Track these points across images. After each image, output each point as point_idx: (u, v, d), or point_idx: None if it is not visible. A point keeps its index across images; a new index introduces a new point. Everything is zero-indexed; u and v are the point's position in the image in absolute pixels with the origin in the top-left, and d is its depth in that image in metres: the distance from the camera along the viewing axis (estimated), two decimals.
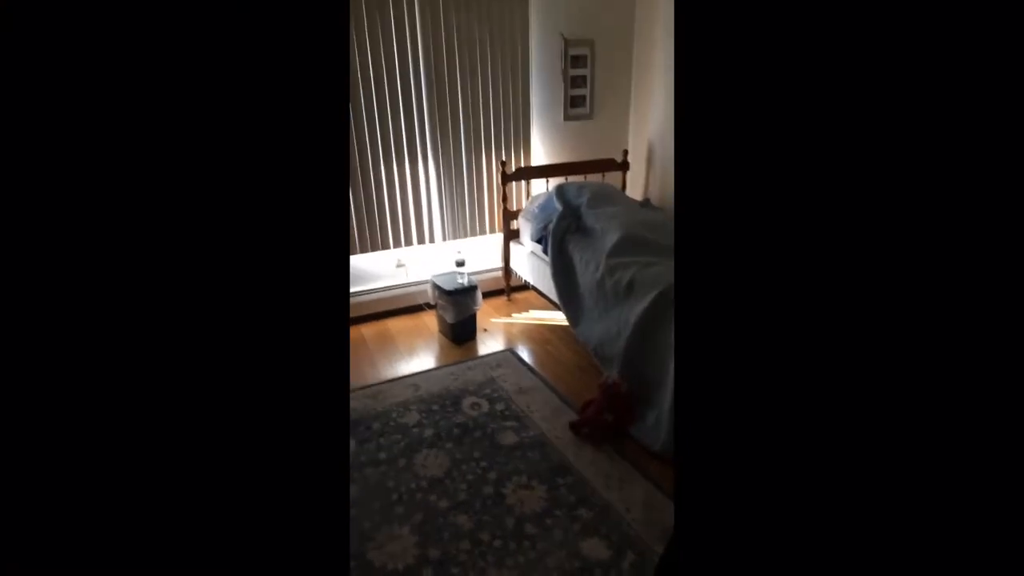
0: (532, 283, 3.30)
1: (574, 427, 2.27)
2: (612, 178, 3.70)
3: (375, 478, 2.03)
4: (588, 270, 2.64)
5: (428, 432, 2.30)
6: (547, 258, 2.97)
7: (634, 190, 3.83)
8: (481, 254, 3.67)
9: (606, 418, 2.23)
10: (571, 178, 3.56)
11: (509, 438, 2.24)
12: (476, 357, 2.91)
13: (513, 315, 3.44)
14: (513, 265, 3.55)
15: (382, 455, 2.16)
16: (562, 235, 2.90)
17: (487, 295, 3.66)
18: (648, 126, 3.66)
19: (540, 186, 3.62)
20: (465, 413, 2.42)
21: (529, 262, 3.28)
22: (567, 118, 3.61)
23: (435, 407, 2.47)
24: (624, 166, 3.67)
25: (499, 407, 2.45)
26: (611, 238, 2.62)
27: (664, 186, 3.59)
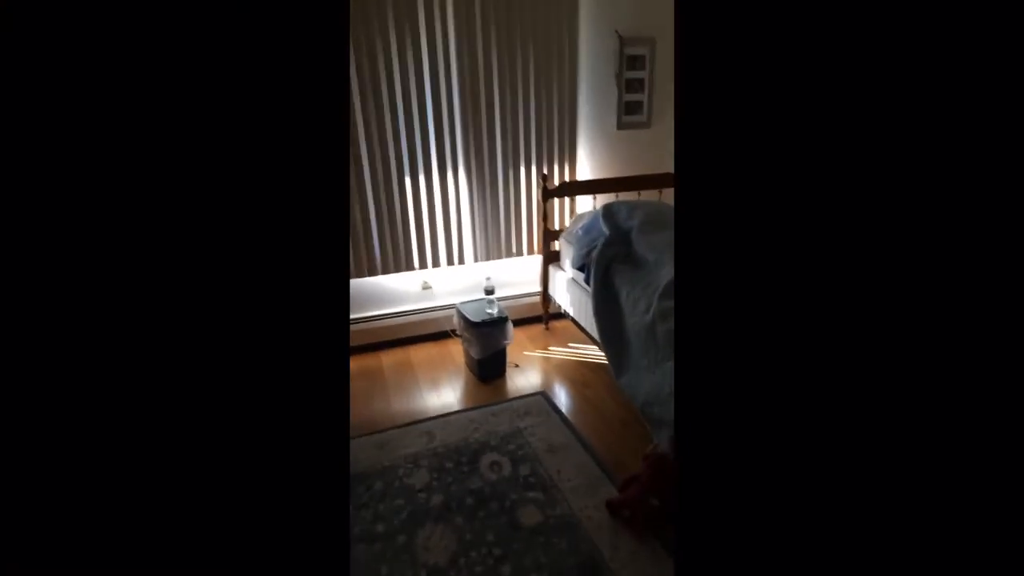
0: (572, 315, 2.90)
1: (612, 507, 1.86)
2: (669, 196, 3.25)
3: (366, 559, 1.69)
4: (637, 310, 2.21)
5: (437, 499, 1.94)
6: (589, 288, 2.56)
7: None
8: (518, 276, 3.29)
9: (652, 502, 1.81)
10: (622, 195, 3.13)
11: (532, 516, 1.85)
12: (503, 400, 2.54)
13: (550, 348, 3.05)
14: (552, 292, 3.15)
15: (379, 527, 1.82)
16: (607, 264, 2.49)
17: (523, 322, 3.28)
18: None
19: (586, 204, 3.21)
20: (483, 476, 2.05)
21: (570, 290, 2.88)
22: (620, 126, 3.18)
23: (449, 464, 2.11)
24: None
25: (523, 471, 2.07)
26: (665, 273, 2.19)
27: None
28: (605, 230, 2.63)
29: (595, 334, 2.50)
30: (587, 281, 2.60)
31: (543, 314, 3.28)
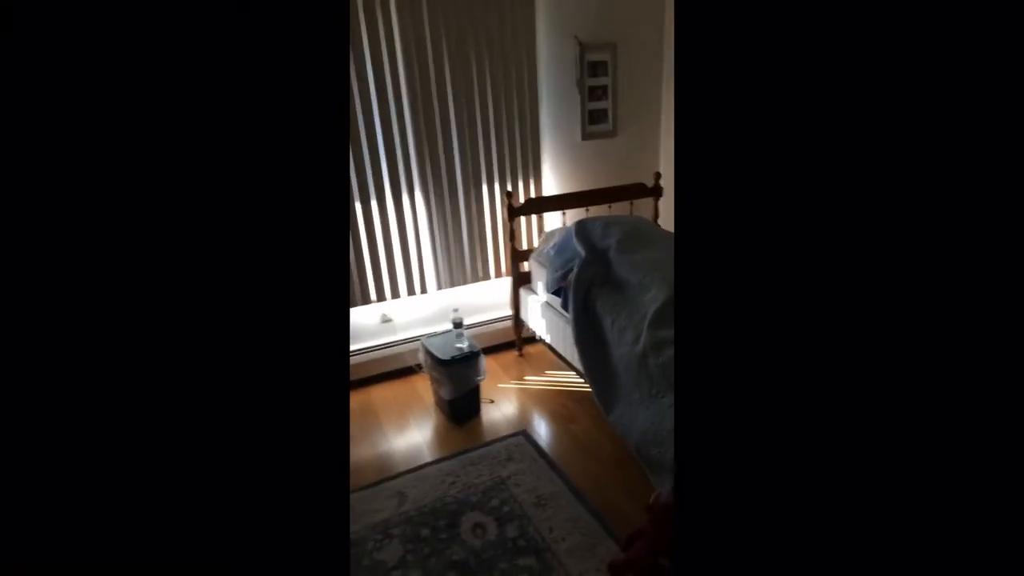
0: (548, 341, 2.68)
1: (616, 570, 1.63)
2: (642, 207, 3.08)
3: None
4: (624, 340, 2.01)
5: None
6: (567, 315, 2.34)
7: (668, 221, 3.20)
8: (486, 300, 3.05)
9: (660, 561, 1.59)
10: (592, 209, 2.94)
11: None
12: (480, 444, 2.29)
13: (526, 377, 2.82)
14: (524, 316, 2.92)
15: None
16: (586, 288, 2.28)
17: (494, 350, 3.04)
18: None
19: (555, 220, 3.01)
20: (465, 543, 1.79)
21: (544, 315, 2.66)
22: (585, 136, 3.00)
23: (425, 532, 1.84)
24: (656, 192, 3.04)
25: (511, 532, 1.82)
26: (653, 298, 1.99)
27: None
28: (580, 250, 2.42)
29: (577, 364, 2.29)
30: (564, 307, 2.39)
31: (516, 339, 3.05)
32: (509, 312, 3.05)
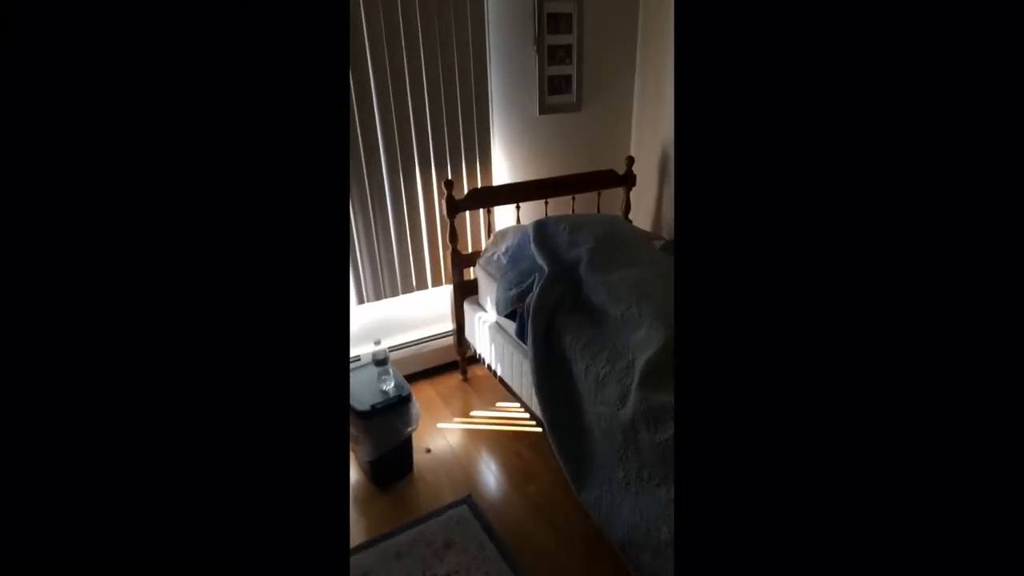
0: (499, 373, 2.13)
1: None
2: (611, 199, 2.55)
3: None
4: (604, 396, 1.48)
5: None
6: (524, 346, 1.80)
7: (642, 216, 2.68)
8: (422, 313, 2.46)
9: None
10: (553, 203, 2.38)
11: None
12: (411, 520, 1.74)
13: (472, 413, 2.27)
14: (470, 336, 2.36)
15: None
16: (550, 316, 1.73)
17: (432, 373, 2.49)
18: (664, 122, 2.50)
19: (507, 216, 2.43)
20: None
21: (494, 339, 2.10)
22: (544, 110, 2.41)
23: None
24: (628, 181, 2.51)
25: None
26: (645, 340, 1.47)
27: None
28: (541, 262, 1.87)
29: (536, 411, 1.76)
30: (521, 336, 1.84)
31: (459, 360, 2.48)
32: (450, 327, 2.48)
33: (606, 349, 1.54)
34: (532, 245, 1.94)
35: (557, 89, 2.43)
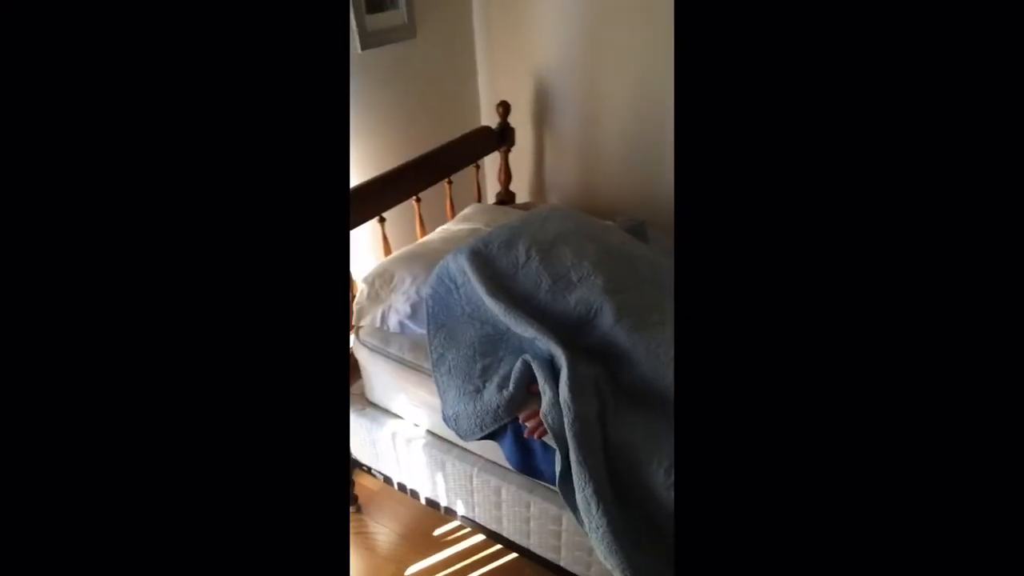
0: (434, 497, 1.26)
1: None
2: (486, 169, 1.72)
3: None
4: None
5: None
6: (539, 475, 0.99)
7: (519, 184, 1.93)
8: None
9: None
10: (424, 200, 1.46)
11: None
12: None
13: (408, 571, 1.37)
14: (358, 453, 1.37)
15: None
16: (601, 430, 0.95)
17: None
18: (536, 42, 1.71)
19: (363, 244, 1.42)
20: None
21: (423, 452, 1.20)
22: (367, 42, 1.40)
23: None
24: (507, 139, 1.70)
25: None
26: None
27: (597, 170, 1.79)
28: (519, 328, 1.04)
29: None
30: (531, 469, 1.02)
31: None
32: None
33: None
34: (486, 299, 1.06)
35: (379, 5, 1.42)
